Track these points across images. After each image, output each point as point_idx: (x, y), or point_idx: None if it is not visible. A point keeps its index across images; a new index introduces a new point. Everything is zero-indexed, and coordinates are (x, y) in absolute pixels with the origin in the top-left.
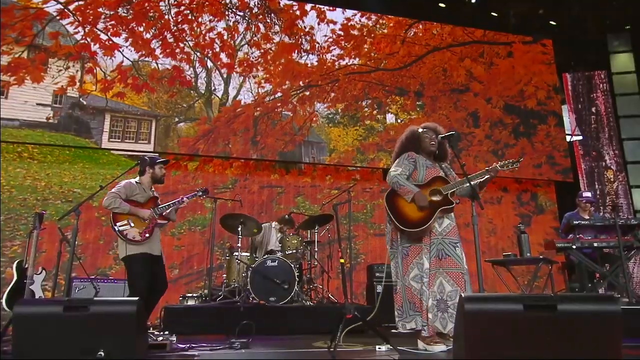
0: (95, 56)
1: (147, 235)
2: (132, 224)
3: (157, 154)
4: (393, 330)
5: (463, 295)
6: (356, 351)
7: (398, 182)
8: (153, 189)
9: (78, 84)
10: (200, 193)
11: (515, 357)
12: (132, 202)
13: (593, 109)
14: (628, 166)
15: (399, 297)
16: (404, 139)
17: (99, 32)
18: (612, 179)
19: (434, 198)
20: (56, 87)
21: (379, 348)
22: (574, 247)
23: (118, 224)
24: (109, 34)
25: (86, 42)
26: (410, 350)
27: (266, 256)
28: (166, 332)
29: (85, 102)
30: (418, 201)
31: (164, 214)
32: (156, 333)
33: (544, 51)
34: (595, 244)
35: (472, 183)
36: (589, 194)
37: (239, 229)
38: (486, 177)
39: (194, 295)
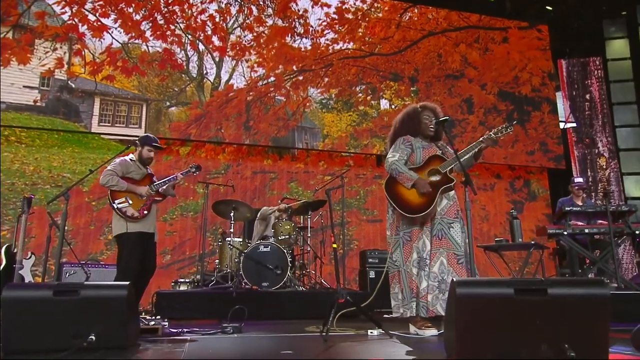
0: (84, 38)
1: (145, 212)
2: (130, 201)
3: (155, 139)
4: (386, 316)
5: (455, 279)
6: (348, 336)
7: (397, 169)
8: (147, 167)
9: (66, 66)
10: (194, 169)
11: (505, 340)
12: (128, 179)
13: (587, 96)
14: (620, 153)
15: (403, 284)
16: (405, 117)
17: (86, 13)
18: (604, 166)
19: (433, 178)
20: (43, 69)
21: (371, 333)
22: (565, 233)
23: (116, 201)
24: (97, 14)
25: (74, 22)
26: (402, 334)
27: (259, 241)
28: (158, 317)
29: (73, 85)
30: (419, 188)
31: (160, 190)
32: (148, 318)
33: (539, 37)
34: (586, 230)
35: (464, 157)
36: (580, 179)
37: (232, 214)
38: (480, 146)
39: (186, 280)
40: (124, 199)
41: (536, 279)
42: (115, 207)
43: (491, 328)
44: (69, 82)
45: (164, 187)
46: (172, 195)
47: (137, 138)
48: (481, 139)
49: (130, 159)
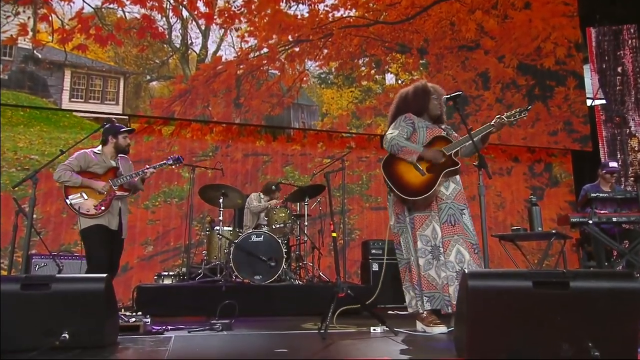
0: (50, 1)
1: (102, 208)
2: (86, 197)
3: (121, 125)
4: (390, 312)
5: (467, 270)
6: (349, 333)
7: (398, 143)
8: (117, 159)
9: (31, 33)
10: (171, 162)
11: (522, 338)
12: (88, 173)
13: (619, 69)
14: None
15: (414, 275)
16: (415, 91)
17: None
18: (636, 148)
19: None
20: (4, 37)
21: (374, 330)
22: (590, 222)
23: (70, 197)
24: None
25: None
26: (408, 332)
27: (250, 231)
28: (139, 314)
29: (40, 55)
30: (430, 157)
31: (124, 185)
32: (128, 314)
33: (566, 1)
34: (615, 219)
35: (474, 139)
36: (614, 164)
37: (221, 200)
38: (490, 130)
39: (171, 273)
40: (78, 195)
41: (557, 270)
42: (69, 203)
43: (506, 325)
44: (35, 51)
45: (133, 180)
46: (140, 189)
47: (103, 131)
48: (492, 122)
49: (95, 152)
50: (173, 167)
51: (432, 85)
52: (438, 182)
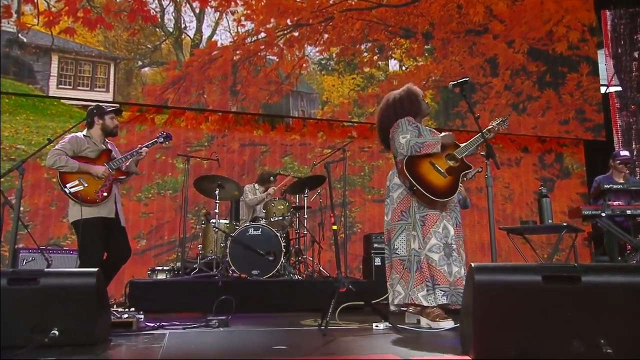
0: None
1: (104, 194)
2: (86, 184)
3: (107, 105)
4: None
5: (473, 264)
6: (351, 330)
7: (417, 142)
8: (107, 142)
9: (15, 15)
10: (162, 139)
11: (531, 334)
12: (81, 158)
13: (635, 54)
14: None
15: (424, 271)
16: (404, 97)
17: None
18: None
19: (451, 163)
20: None
21: (377, 326)
22: (603, 214)
23: (68, 185)
24: None
25: None
26: (413, 328)
27: (248, 224)
28: (132, 310)
29: (25, 39)
30: (449, 142)
31: (122, 168)
32: (120, 310)
33: None
34: (629, 212)
35: (471, 149)
36: (626, 153)
37: (216, 192)
38: (489, 137)
39: (165, 268)
40: (77, 182)
41: (568, 264)
42: (68, 192)
43: (514, 320)
44: (20, 35)
45: (127, 163)
46: (136, 172)
47: (89, 112)
48: (490, 128)
49: (84, 135)
50: (164, 144)
51: (414, 87)
52: (460, 183)
